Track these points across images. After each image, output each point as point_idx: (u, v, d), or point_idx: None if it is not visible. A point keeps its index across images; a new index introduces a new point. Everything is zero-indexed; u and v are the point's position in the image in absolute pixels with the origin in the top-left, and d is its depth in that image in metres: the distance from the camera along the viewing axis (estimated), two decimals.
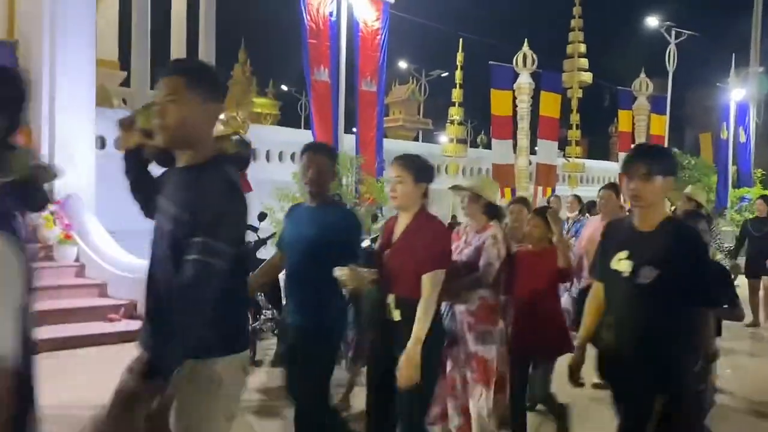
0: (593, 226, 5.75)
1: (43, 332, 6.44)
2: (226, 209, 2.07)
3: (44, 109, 9.05)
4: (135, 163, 2.49)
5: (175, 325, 1.97)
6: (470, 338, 3.81)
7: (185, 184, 2.13)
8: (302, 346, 3.25)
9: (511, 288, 4.01)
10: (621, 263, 2.72)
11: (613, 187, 5.90)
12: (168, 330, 1.99)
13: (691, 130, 34.56)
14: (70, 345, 6.48)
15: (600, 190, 5.83)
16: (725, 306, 3.58)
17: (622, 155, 18.56)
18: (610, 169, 19.76)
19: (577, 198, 9.22)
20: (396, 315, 3.08)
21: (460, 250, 3.91)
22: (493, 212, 3.98)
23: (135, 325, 7.03)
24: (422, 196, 3.17)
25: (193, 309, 1.97)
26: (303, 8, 10.10)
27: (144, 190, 2.43)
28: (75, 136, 9.05)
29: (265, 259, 6.11)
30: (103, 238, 8.59)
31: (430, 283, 2.99)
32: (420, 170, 3.14)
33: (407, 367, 2.91)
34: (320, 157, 3.37)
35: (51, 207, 8.58)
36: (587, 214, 9.11)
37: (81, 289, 7.99)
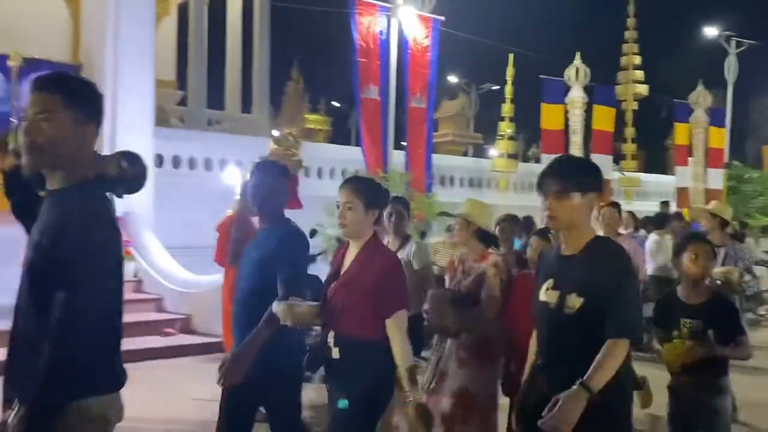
0: None
1: None
2: (85, 238, 1.88)
3: (106, 128, 9.43)
4: (16, 186, 2.28)
5: (41, 365, 1.80)
6: (461, 374, 3.57)
7: (48, 210, 1.99)
8: (252, 383, 2.90)
9: (504, 318, 3.66)
10: (547, 293, 2.46)
11: (615, 205, 5.75)
12: (32, 369, 1.82)
13: (753, 143, 33.37)
14: (128, 359, 6.61)
15: (601, 207, 5.63)
16: (730, 343, 3.21)
17: (679, 169, 18.09)
18: (666, 182, 19.23)
19: (632, 214, 9.00)
20: (335, 353, 2.82)
21: (458, 281, 3.71)
22: (486, 239, 3.80)
23: (190, 339, 7.21)
24: (373, 224, 2.92)
25: (58, 350, 1.81)
26: (354, 27, 10.26)
27: (29, 214, 2.18)
28: None
29: (315, 277, 6.17)
30: (161, 254, 8.85)
31: (395, 327, 2.76)
32: (371, 195, 2.90)
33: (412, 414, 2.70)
34: (269, 176, 3.19)
35: None
36: (642, 231, 8.90)
37: (138, 303, 8.22)
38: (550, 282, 2.47)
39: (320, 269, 5.84)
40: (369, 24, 10.34)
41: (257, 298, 2.93)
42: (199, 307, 7.75)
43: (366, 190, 2.91)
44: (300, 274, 3.04)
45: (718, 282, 4.92)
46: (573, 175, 2.42)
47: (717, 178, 18.80)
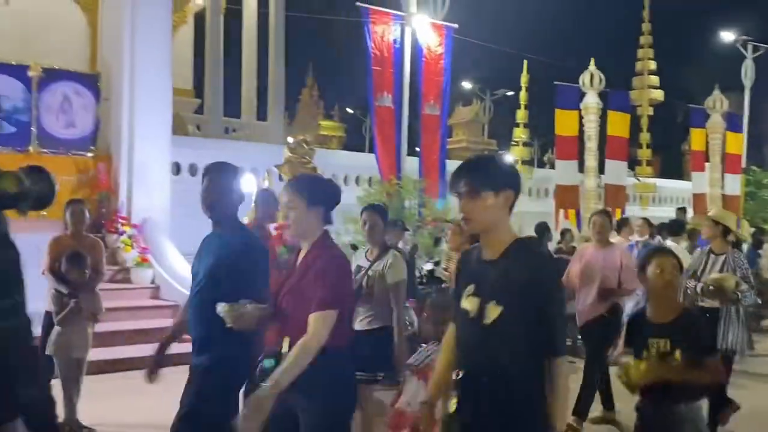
0: (588, 254, 5.41)
1: (118, 352, 6.79)
2: None
3: (124, 136, 9.57)
4: None
5: None
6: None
7: None
8: (198, 389, 2.89)
9: None
10: (468, 300, 2.28)
11: (605, 213, 5.59)
12: None
13: None
14: (145, 365, 6.75)
15: (592, 215, 5.50)
16: (700, 364, 2.94)
17: (695, 175, 17.96)
18: (683, 188, 19.09)
19: (647, 221, 8.96)
20: None
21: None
22: None
23: None
24: (322, 222, 2.77)
25: None
26: (368, 36, 10.34)
27: None
28: (152, 163, 9.51)
29: None
30: (178, 261, 8.94)
31: (314, 324, 2.56)
32: (313, 193, 2.74)
33: (247, 414, 2.46)
34: (221, 178, 3.08)
35: (129, 230, 9.04)
36: (658, 238, 8.85)
37: (156, 310, 8.31)
38: (471, 288, 2.30)
39: None
40: (383, 32, 10.41)
41: (210, 305, 2.78)
42: None
43: (306, 189, 2.76)
44: (254, 283, 2.88)
45: (711, 288, 4.83)
46: (483, 174, 2.28)
47: (735, 184, 18.63)
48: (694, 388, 2.99)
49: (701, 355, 2.94)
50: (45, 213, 9.70)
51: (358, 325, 4.17)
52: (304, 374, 2.54)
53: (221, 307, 2.69)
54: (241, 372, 2.94)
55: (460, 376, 2.30)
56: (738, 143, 19.03)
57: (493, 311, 2.18)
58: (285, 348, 2.65)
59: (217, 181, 3.06)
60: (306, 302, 2.62)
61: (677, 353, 2.91)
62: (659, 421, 2.99)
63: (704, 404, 3.09)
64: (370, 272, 4.28)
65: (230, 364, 2.87)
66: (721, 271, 4.98)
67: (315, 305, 2.58)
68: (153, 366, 3.34)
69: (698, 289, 4.95)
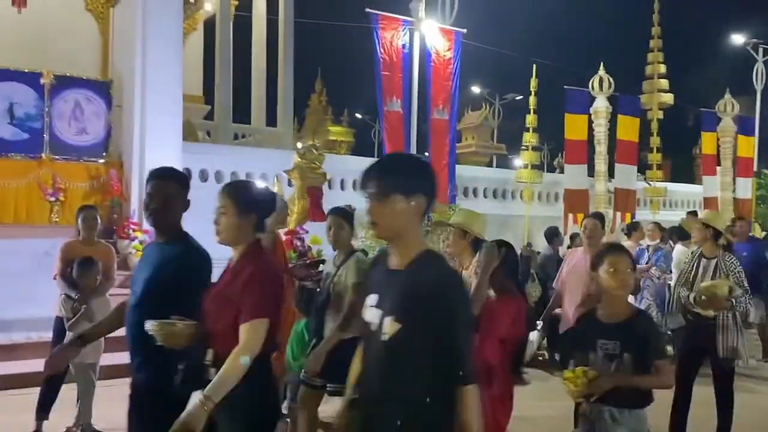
0: (576, 258, 5.24)
1: None
2: None
3: (135, 142, 9.65)
4: None
5: None
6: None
7: None
8: (137, 408, 2.77)
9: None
10: (370, 311, 2.11)
11: (598, 216, 5.37)
12: None
13: None
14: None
15: (584, 218, 5.31)
16: (650, 371, 2.81)
17: (706, 179, 17.86)
18: (694, 192, 18.97)
19: (658, 225, 8.92)
20: (212, 374, 2.52)
21: None
22: (479, 247, 3.72)
23: None
24: (253, 230, 2.64)
25: None
26: (377, 41, 10.38)
27: None
28: None
29: None
30: None
31: (246, 335, 2.44)
32: (247, 199, 2.64)
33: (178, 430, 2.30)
34: (166, 184, 2.90)
35: (140, 236, 9.10)
36: (669, 242, 8.81)
37: None
38: (373, 298, 2.12)
39: None
40: (392, 38, 10.46)
41: (148, 317, 2.63)
42: None
43: (240, 194, 2.65)
44: (188, 298, 2.66)
45: (703, 298, 4.65)
46: (393, 175, 2.07)
47: (746, 188, 18.52)
48: (640, 394, 2.86)
49: (651, 359, 2.82)
50: (57, 219, 9.77)
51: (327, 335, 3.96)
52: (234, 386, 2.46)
53: (150, 325, 2.55)
54: (175, 384, 2.71)
55: (356, 395, 2.13)
56: (749, 146, 18.91)
57: (391, 327, 1.98)
58: (209, 358, 2.54)
59: (161, 188, 2.89)
60: (230, 311, 2.49)
61: (626, 356, 2.80)
62: (600, 427, 2.85)
63: (648, 413, 2.90)
64: (335, 279, 4.06)
65: (166, 382, 2.64)
66: (713, 276, 4.81)
67: (245, 314, 2.46)
68: (53, 358, 3.12)
69: (691, 299, 4.78)
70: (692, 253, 5.28)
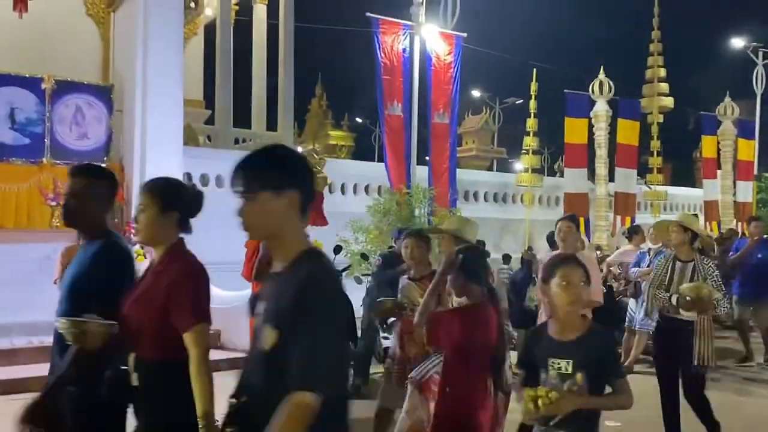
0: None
1: None
2: None
3: (136, 147, 9.66)
4: None
5: None
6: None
7: None
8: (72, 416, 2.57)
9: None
10: (256, 319, 1.98)
11: (571, 218, 5.24)
12: None
13: None
14: None
15: (558, 221, 5.20)
16: (605, 389, 2.61)
17: (707, 182, 17.87)
18: (694, 196, 18.99)
19: None
20: (134, 379, 2.41)
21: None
22: None
23: (218, 354, 7.28)
24: (177, 229, 2.53)
25: None
26: (377, 46, 10.41)
27: None
28: (164, 173, 9.52)
29: None
30: None
31: (194, 342, 2.34)
32: (169, 196, 2.52)
33: None
34: (82, 181, 2.78)
35: None
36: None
37: None
38: (260, 306, 1.96)
39: (346, 286, 5.87)
40: (392, 42, 10.48)
41: None
42: (226, 323, 7.84)
43: (161, 191, 2.53)
44: (104, 296, 2.52)
45: (689, 299, 4.56)
46: (260, 171, 1.90)
47: (746, 191, 18.52)
48: (593, 418, 2.66)
49: (607, 378, 2.63)
50: (58, 223, 9.77)
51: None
52: (143, 390, 2.40)
53: (61, 323, 2.42)
54: (101, 392, 2.53)
55: (233, 406, 1.92)
56: (750, 150, 18.93)
57: (270, 336, 1.81)
58: (130, 363, 2.43)
59: (79, 186, 2.77)
60: (154, 314, 2.38)
61: (579, 376, 2.58)
62: None
63: None
64: None
65: (87, 385, 2.49)
66: (691, 279, 4.74)
67: (186, 322, 2.36)
68: None
69: (674, 301, 4.68)
70: (665, 256, 5.21)
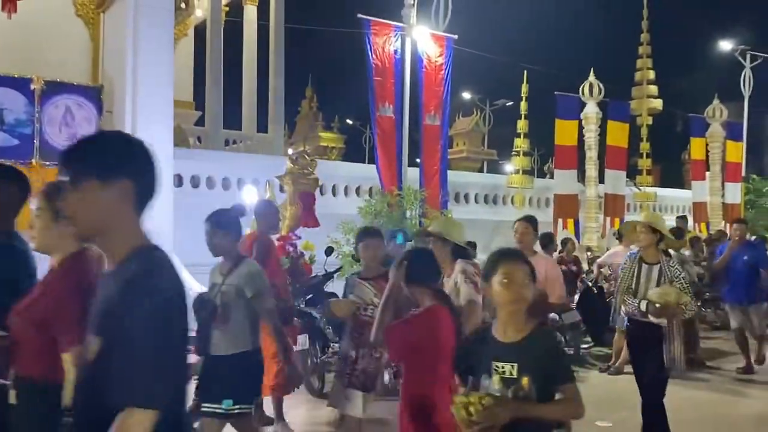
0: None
1: None
2: None
3: None
4: None
5: None
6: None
7: None
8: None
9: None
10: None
11: (528, 219, 5.17)
12: None
13: None
14: None
15: (515, 222, 5.12)
16: (551, 395, 2.39)
17: (695, 184, 17.99)
18: (683, 197, 19.11)
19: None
20: (12, 397, 2.26)
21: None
22: (461, 254, 3.78)
23: None
24: (74, 237, 2.18)
25: None
26: (369, 47, 10.41)
27: None
28: None
29: (332, 293, 6.15)
30: (180, 273, 8.93)
31: (71, 364, 2.14)
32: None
33: None
34: None
35: None
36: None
37: None
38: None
39: (337, 287, 5.89)
40: (384, 44, 10.48)
41: None
42: None
43: (57, 197, 2.22)
44: (9, 300, 2.37)
45: (657, 306, 4.50)
46: (86, 158, 1.70)
47: (735, 193, 18.67)
48: (543, 428, 2.46)
49: (555, 383, 2.40)
50: None
51: (214, 350, 3.68)
52: (15, 410, 2.26)
53: None
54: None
55: (65, 424, 1.78)
56: (738, 152, 19.08)
57: (92, 344, 1.64)
58: (10, 379, 2.30)
59: None
60: (35, 328, 2.24)
61: (525, 380, 2.36)
62: None
63: None
64: (224, 288, 3.71)
65: None
66: (658, 282, 4.66)
67: (65, 341, 2.17)
68: None
69: (643, 308, 4.62)
70: (630, 258, 5.06)
